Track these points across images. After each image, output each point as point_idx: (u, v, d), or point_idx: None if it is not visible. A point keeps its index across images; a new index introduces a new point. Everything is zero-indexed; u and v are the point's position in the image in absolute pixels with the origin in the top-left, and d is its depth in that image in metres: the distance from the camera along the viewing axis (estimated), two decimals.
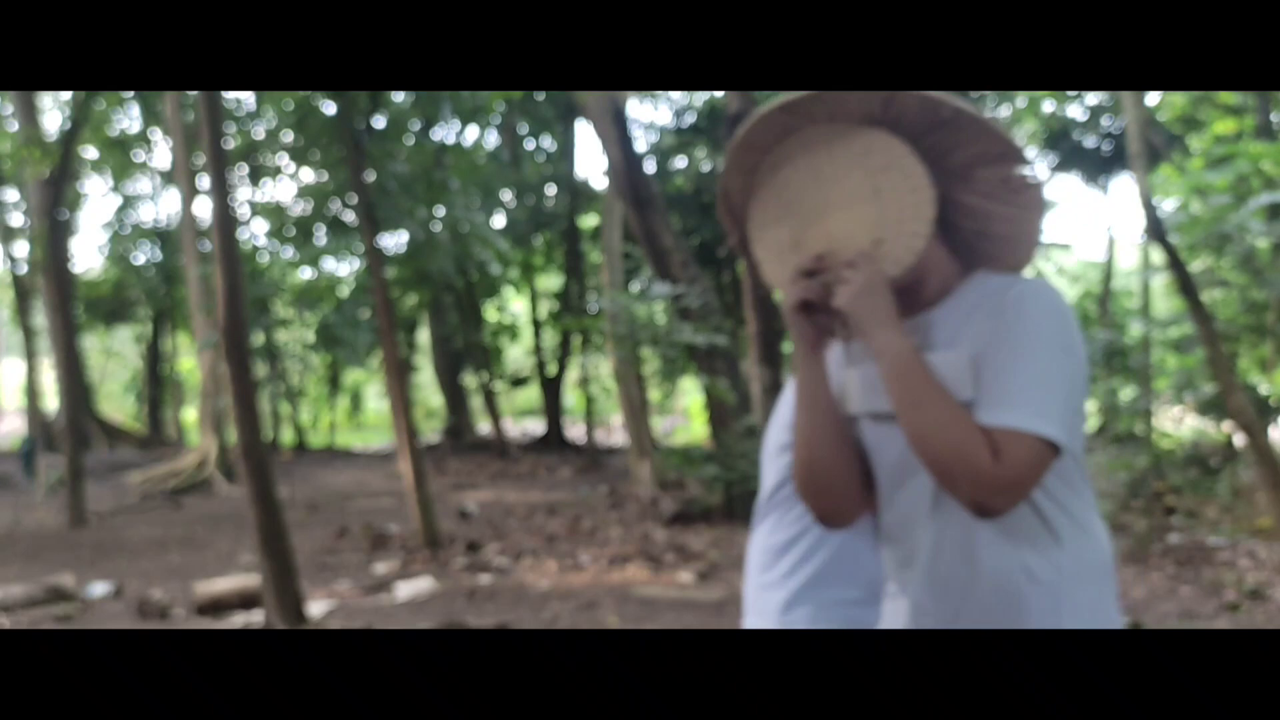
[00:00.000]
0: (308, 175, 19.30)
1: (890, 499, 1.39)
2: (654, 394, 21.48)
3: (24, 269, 15.88)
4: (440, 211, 12.22)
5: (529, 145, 21.72)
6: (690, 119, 18.66)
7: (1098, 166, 15.81)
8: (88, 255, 23.29)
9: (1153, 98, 13.38)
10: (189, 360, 25.14)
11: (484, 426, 24.72)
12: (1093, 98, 13.84)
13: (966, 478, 1.21)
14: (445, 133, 18.08)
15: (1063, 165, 16.17)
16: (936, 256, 1.36)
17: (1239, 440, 8.05)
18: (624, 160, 8.97)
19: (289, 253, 13.69)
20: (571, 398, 26.53)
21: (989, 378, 1.26)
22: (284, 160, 20.45)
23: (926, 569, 1.34)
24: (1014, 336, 1.25)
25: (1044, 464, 1.22)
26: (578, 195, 19.50)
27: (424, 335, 26.62)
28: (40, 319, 17.37)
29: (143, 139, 22.21)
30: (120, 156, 22.38)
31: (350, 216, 14.36)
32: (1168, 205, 9.02)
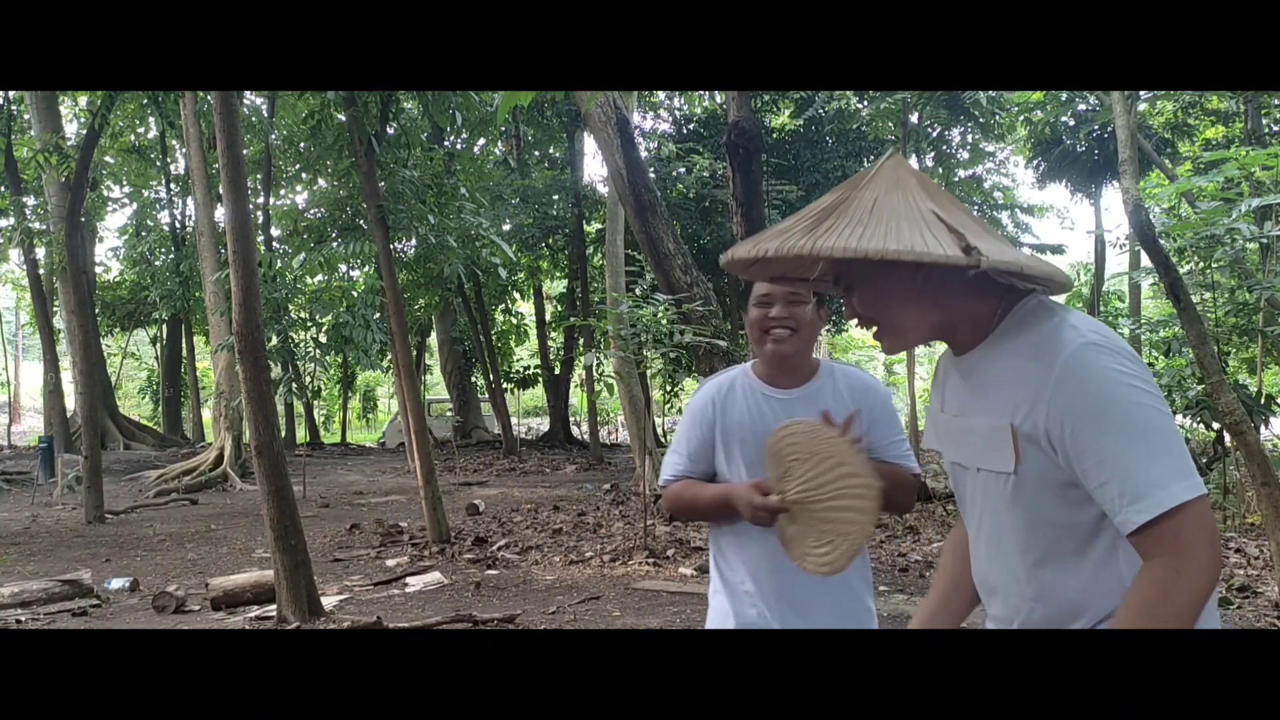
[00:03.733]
0: (322, 182, 19.58)
1: (974, 537, 1.43)
2: (656, 393, 21.69)
3: (44, 272, 16.16)
4: (450, 217, 12.45)
5: (536, 153, 22.00)
6: (690, 127, 18.91)
7: (1088, 172, 15.95)
8: (106, 258, 23.75)
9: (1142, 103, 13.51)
10: (206, 361, 25.47)
11: (492, 425, 25.00)
12: (1083, 104, 13.96)
13: (1186, 599, 1.15)
14: (455, 140, 18.36)
15: (1053, 171, 16.31)
16: (961, 306, 1.33)
17: (1228, 438, 8.18)
18: (626, 167, 9.13)
19: (302, 257, 13.96)
20: (576, 397, 26.74)
21: (1104, 477, 1.19)
22: (298, 167, 20.74)
23: (1003, 595, 1.39)
24: (1092, 423, 1.19)
25: (1201, 516, 1.15)
26: (583, 201, 19.74)
27: (434, 337, 26.89)
28: (60, 321, 17.67)
29: (161, 145, 22.56)
30: (139, 162, 22.76)
31: (363, 222, 14.60)
32: (1157, 210, 9.14)
